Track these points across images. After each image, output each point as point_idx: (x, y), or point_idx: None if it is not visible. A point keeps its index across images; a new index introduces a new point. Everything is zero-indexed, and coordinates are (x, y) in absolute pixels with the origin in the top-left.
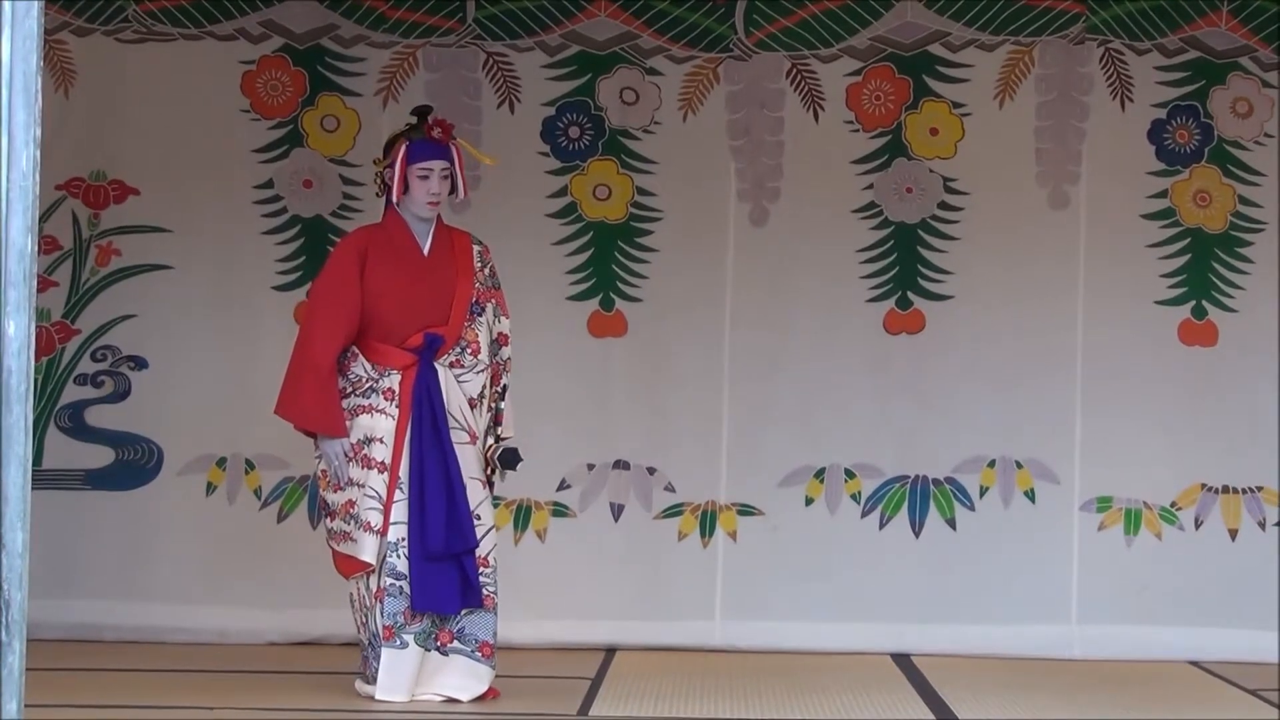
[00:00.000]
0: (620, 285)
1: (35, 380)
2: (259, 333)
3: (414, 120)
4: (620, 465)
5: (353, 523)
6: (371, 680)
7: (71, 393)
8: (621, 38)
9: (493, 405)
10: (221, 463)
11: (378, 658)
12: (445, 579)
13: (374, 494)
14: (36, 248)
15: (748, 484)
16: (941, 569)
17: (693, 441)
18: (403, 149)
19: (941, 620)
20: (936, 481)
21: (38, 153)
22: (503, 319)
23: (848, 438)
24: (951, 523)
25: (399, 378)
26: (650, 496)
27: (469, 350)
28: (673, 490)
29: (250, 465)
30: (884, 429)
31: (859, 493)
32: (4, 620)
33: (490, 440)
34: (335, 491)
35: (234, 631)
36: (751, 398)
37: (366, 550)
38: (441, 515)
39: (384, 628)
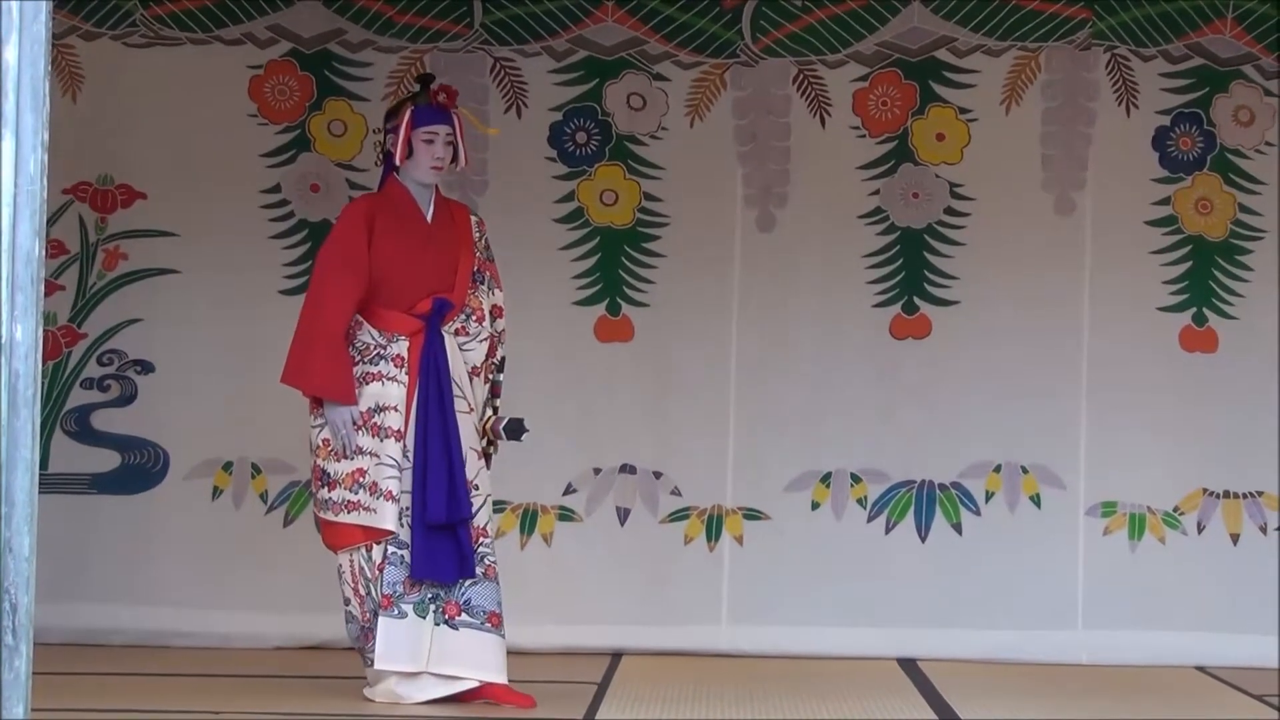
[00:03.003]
0: (627, 290)
1: (41, 384)
2: (266, 337)
3: (417, 87)
4: (626, 469)
5: (363, 491)
6: (369, 663)
7: (78, 397)
8: (629, 43)
9: (489, 377)
10: (228, 467)
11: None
12: (443, 548)
13: (392, 462)
14: (44, 252)
15: (754, 488)
16: (947, 574)
17: (699, 446)
18: (408, 113)
19: (947, 625)
20: (942, 486)
21: (45, 157)
22: (497, 291)
23: (854, 442)
24: (957, 528)
25: (407, 344)
26: (656, 500)
27: (474, 317)
28: (679, 494)
29: (256, 469)
30: (890, 434)
31: (865, 497)
32: (11, 624)
33: (488, 412)
34: (338, 461)
35: (239, 636)
36: (758, 402)
37: (388, 519)
38: (443, 485)
39: (383, 596)
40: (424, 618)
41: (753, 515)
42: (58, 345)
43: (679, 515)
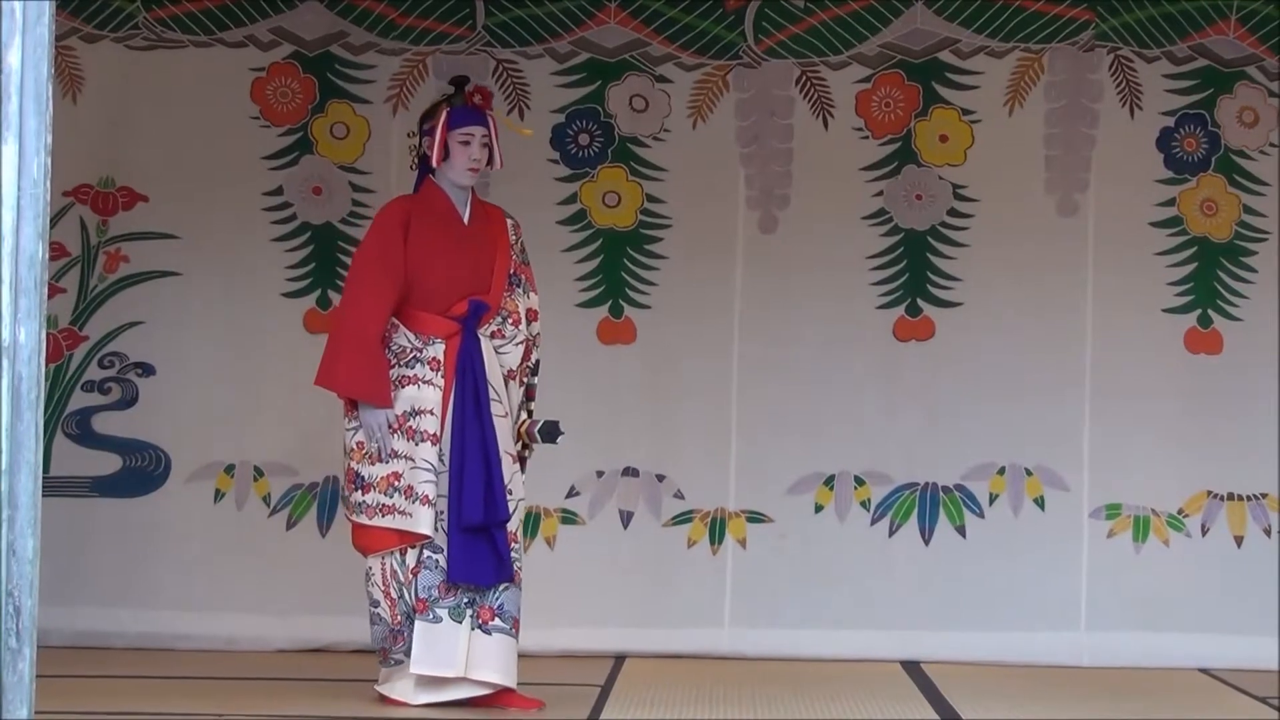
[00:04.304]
0: (629, 292)
1: (43, 387)
2: (268, 340)
3: (451, 89)
4: (629, 472)
5: (398, 495)
6: (393, 663)
7: (79, 399)
8: (631, 45)
9: (524, 380)
10: (230, 470)
11: (408, 634)
12: (480, 551)
13: (428, 466)
14: (47, 255)
15: (757, 491)
16: (951, 576)
17: (702, 448)
18: (444, 114)
19: (951, 627)
20: (946, 489)
21: (49, 160)
22: (532, 294)
23: (857, 445)
24: (961, 530)
25: (443, 347)
26: (659, 504)
27: (510, 320)
28: (682, 497)
29: (259, 472)
30: (893, 436)
31: (868, 500)
32: (14, 627)
33: (523, 415)
34: (373, 464)
35: (242, 638)
36: (761, 404)
37: (423, 523)
38: (479, 487)
39: (418, 600)
40: (459, 623)
41: (756, 518)
42: (59, 348)
43: (682, 518)
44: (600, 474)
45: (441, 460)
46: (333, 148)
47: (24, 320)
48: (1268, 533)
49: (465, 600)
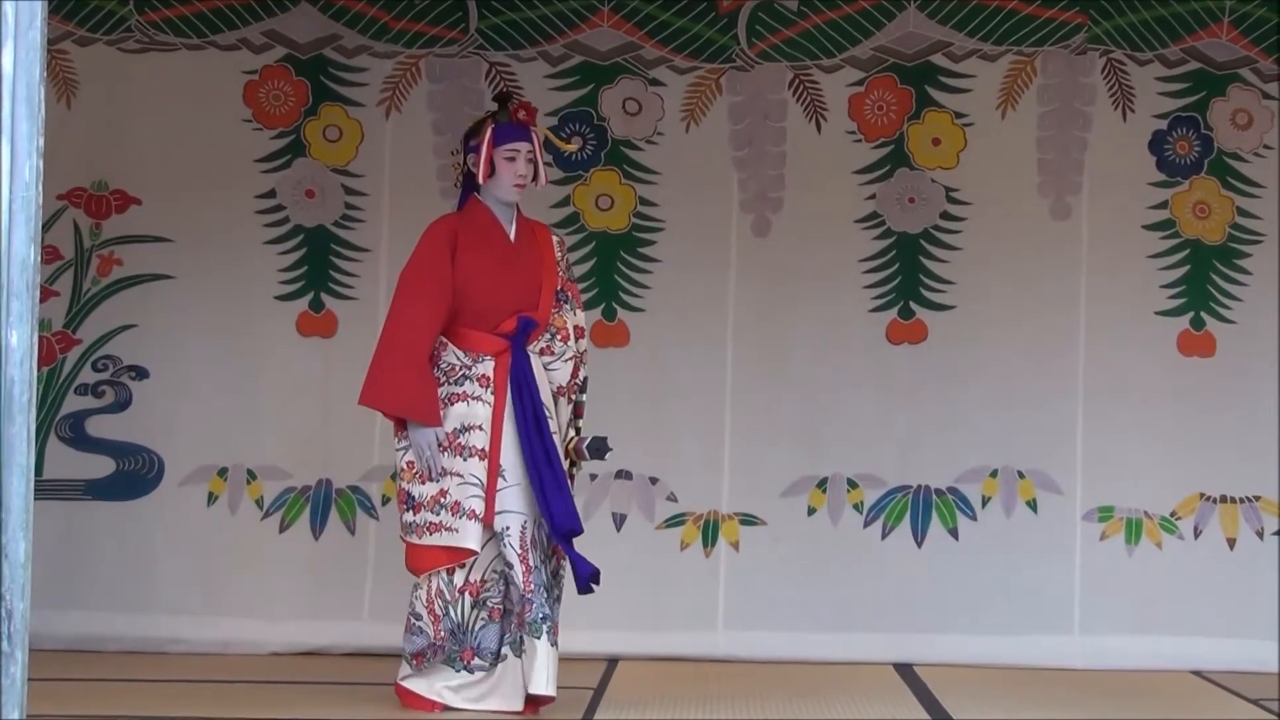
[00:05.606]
0: (623, 295)
1: (36, 390)
2: (261, 343)
3: (495, 106)
4: (623, 475)
5: (445, 512)
6: (427, 665)
7: (72, 403)
8: (624, 48)
9: (572, 397)
10: (223, 473)
11: (449, 648)
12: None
13: (476, 482)
14: (39, 258)
15: (750, 494)
16: (944, 579)
17: (695, 451)
18: (489, 131)
19: (944, 630)
20: (939, 491)
21: (41, 163)
22: (579, 311)
23: (850, 447)
24: (954, 533)
25: (492, 364)
26: (653, 506)
27: (559, 337)
28: (675, 500)
29: (252, 475)
30: (886, 439)
31: (861, 503)
32: (6, 630)
33: (570, 433)
34: (423, 483)
35: (236, 642)
36: (754, 407)
37: (470, 538)
38: (567, 496)
39: (493, 608)
40: (538, 639)
41: (749, 521)
42: (52, 351)
43: (675, 521)
44: (594, 477)
45: (503, 477)
46: (325, 150)
47: (16, 324)
48: (1260, 535)
49: (541, 615)
